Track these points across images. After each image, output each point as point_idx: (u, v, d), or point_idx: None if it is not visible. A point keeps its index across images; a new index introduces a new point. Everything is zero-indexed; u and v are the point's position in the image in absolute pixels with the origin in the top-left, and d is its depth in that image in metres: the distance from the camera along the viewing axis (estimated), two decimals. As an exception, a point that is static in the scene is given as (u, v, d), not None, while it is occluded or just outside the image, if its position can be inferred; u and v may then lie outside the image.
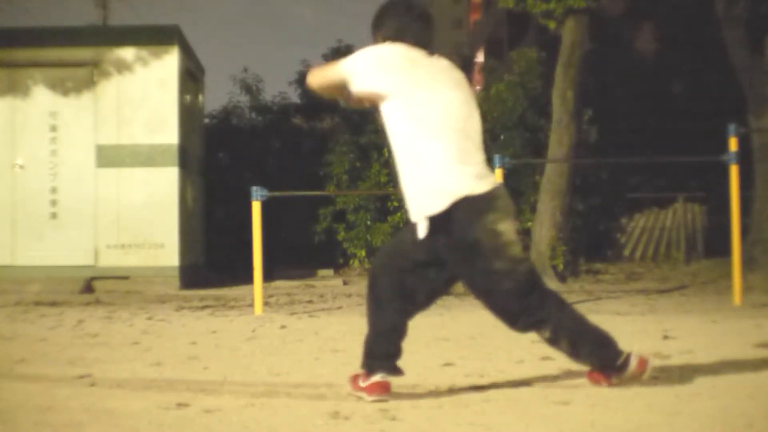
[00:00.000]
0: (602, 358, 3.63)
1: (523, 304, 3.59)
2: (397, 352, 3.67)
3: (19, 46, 10.83)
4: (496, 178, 3.72)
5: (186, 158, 11.16)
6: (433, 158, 3.55)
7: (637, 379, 3.61)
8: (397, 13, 3.78)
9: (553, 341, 3.64)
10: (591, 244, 13.25)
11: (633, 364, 3.59)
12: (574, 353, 3.65)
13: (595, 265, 12.54)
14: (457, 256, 3.59)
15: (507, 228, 3.58)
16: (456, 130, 3.59)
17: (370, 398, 3.56)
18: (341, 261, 13.69)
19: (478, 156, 3.65)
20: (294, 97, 15.77)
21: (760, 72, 10.77)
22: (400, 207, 12.48)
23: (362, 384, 3.61)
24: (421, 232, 3.59)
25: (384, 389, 3.57)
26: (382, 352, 3.64)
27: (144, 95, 10.69)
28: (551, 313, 3.59)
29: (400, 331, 3.69)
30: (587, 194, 13.32)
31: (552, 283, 10.46)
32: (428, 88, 3.61)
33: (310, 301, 8.93)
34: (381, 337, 3.67)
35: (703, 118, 14.75)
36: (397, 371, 3.66)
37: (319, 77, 3.84)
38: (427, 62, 3.68)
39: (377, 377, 3.58)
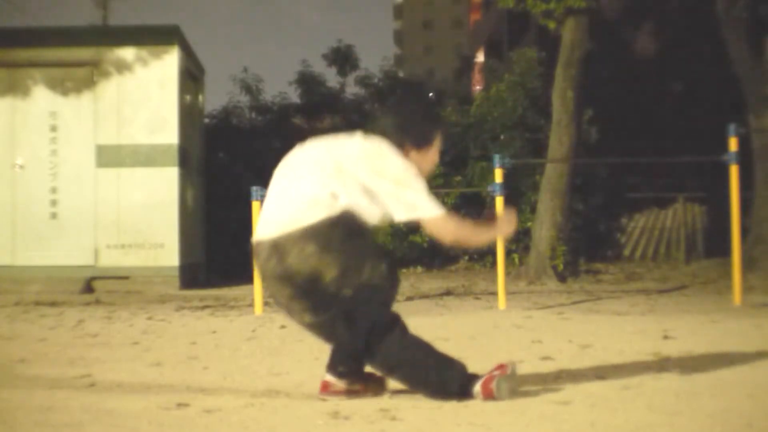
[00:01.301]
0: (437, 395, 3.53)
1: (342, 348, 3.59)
2: (336, 360, 3.61)
3: (19, 46, 10.83)
4: (287, 226, 3.69)
5: (186, 158, 11.16)
6: None
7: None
8: None
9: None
10: (591, 244, 13.24)
11: (477, 393, 3.45)
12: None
13: (595, 265, 12.53)
14: None
15: (269, 285, 3.83)
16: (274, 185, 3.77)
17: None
18: (341, 261, 13.65)
19: (271, 209, 3.77)
20: (294, 97, 15.80)
21: (760, 72, 10.77)
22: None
23: None
24: None
25: (323, 388, 3.59)
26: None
27: (144, 95, 10.69)
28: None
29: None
30: (587, 194, 13.32)
31: (552, 283, 10.49)
32: None
33: (310, 301, 8.91)
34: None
35: (703, 118, 14.77)
36: (336, 374, 3.61)
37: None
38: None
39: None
